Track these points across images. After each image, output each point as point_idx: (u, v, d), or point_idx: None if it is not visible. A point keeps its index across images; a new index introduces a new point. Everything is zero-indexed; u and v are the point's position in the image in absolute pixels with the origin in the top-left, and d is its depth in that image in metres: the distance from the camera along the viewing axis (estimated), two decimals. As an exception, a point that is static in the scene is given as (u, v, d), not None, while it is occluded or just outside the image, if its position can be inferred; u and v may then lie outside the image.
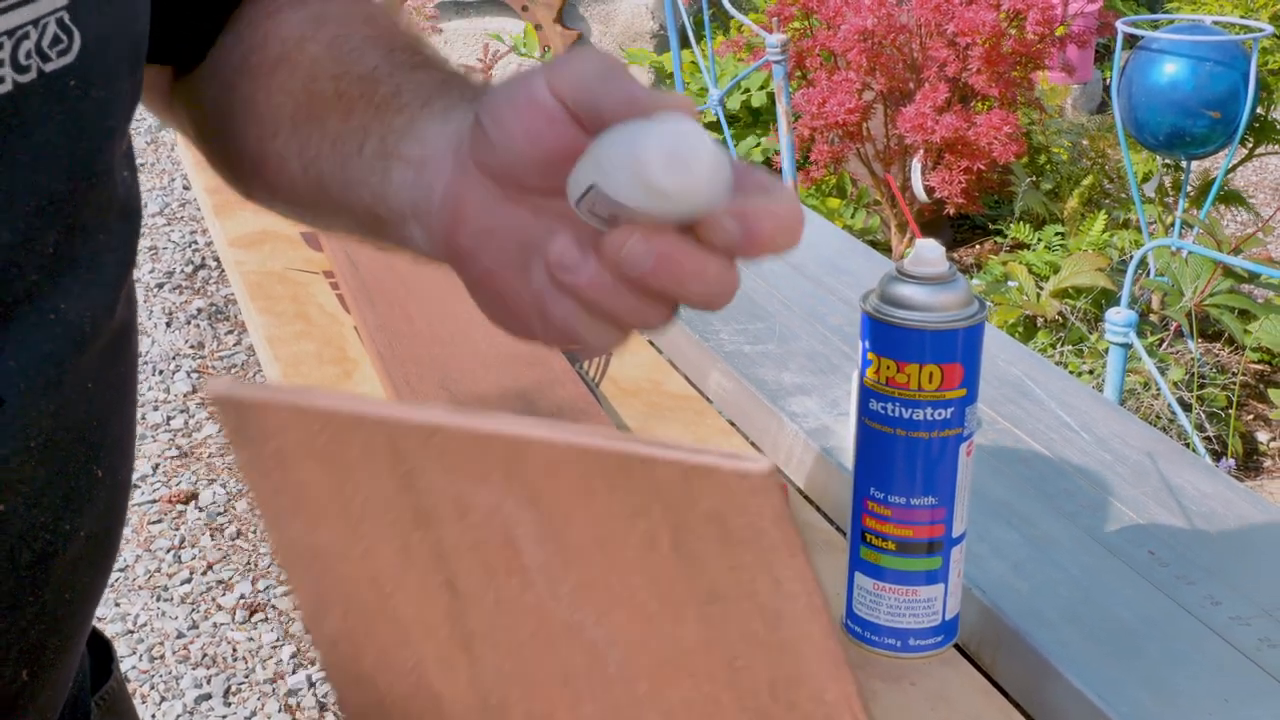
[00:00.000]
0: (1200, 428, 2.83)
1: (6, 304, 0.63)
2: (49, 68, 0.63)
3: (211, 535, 2.73)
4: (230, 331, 3.63)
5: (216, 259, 3.94)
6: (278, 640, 2.44)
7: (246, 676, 2.35)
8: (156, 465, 2.98)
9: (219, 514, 2.80)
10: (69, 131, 0.66)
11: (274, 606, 2.52)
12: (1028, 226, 3.70)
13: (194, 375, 3.37)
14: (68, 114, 0.65)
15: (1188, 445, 2.47)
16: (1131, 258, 2.16)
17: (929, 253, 0.86)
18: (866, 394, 0.88)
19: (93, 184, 0.68)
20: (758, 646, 0.41)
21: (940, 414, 0.86)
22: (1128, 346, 1.93)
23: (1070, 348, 3.01)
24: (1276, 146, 3.53)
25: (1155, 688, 0.88)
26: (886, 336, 0.86)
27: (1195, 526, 1.06)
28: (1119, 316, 1.92)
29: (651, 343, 1.43)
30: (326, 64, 0.78)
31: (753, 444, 1.24)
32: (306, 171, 0.77)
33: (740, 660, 0.41)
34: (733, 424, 1.28)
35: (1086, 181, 3.79)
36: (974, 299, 0.86)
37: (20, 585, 0.68)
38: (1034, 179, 3.84)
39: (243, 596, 2.55)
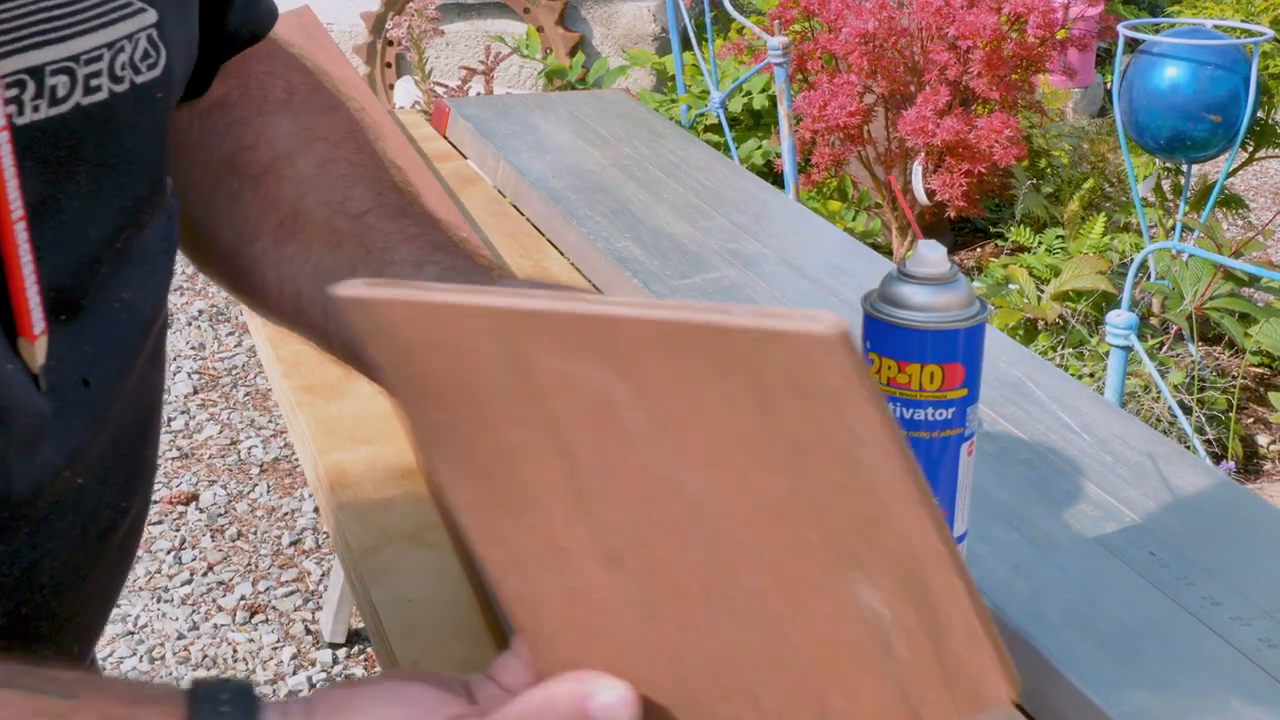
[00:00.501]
0: (1200, 430, 2.83)
1: (89, 295, 0.69)
2: (139, 80, 0.69)
3: (212, 536, 2.74)
4: (231, 333, 3.63)
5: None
6: (278, 641, 2.44)
7: (247, 678, 2.35)
8: (157, 466, 2.98)
9: (219, 515, 2.80)
10: (154, 139, 0.72)
11: (274, 608, 2.52)
12: (1028, 230, 3.70)
13: (195, 376, 3.37)
14: (153, 123, 0.72)
15: (1188, 448, 2.47)
16: (1132, 261, 2.17)
17: (930, 253, 0.86)
18: (868, 394, 0.88)
19: (162, 187, 0.75)
20: (840, 490, 0.45)
21: (941, 414, 0.86)
22: (1128, 349, 1.93)
23: (1071, 350, 3.02)
24: (1277, 150, 3.53)
25: (1156, 688, 0.88)
26: (888, 336, 0.86)
27: (1196, 528, 1.06)
28: (1119, 319, 1.92)
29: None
30: (316, 187, 0.84)
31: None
32: (283, 286, 0.83)
33: (825, 504, 0.46)
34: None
35: (1087, 185, 3.79)
36: (975, 299, 0.86)
37: (86, 559, 0.74)
38: (1034, 182, 3.84)
39: (243, 598, 2.55)
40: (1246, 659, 0.91)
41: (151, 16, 0.69)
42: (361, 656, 2.41)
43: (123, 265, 0.72)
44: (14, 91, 0.63)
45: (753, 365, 0.44)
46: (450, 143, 2.10)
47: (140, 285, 0.74)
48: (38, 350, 0.66)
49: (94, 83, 0.67)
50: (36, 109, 0.64)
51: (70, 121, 0.66)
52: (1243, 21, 3.38)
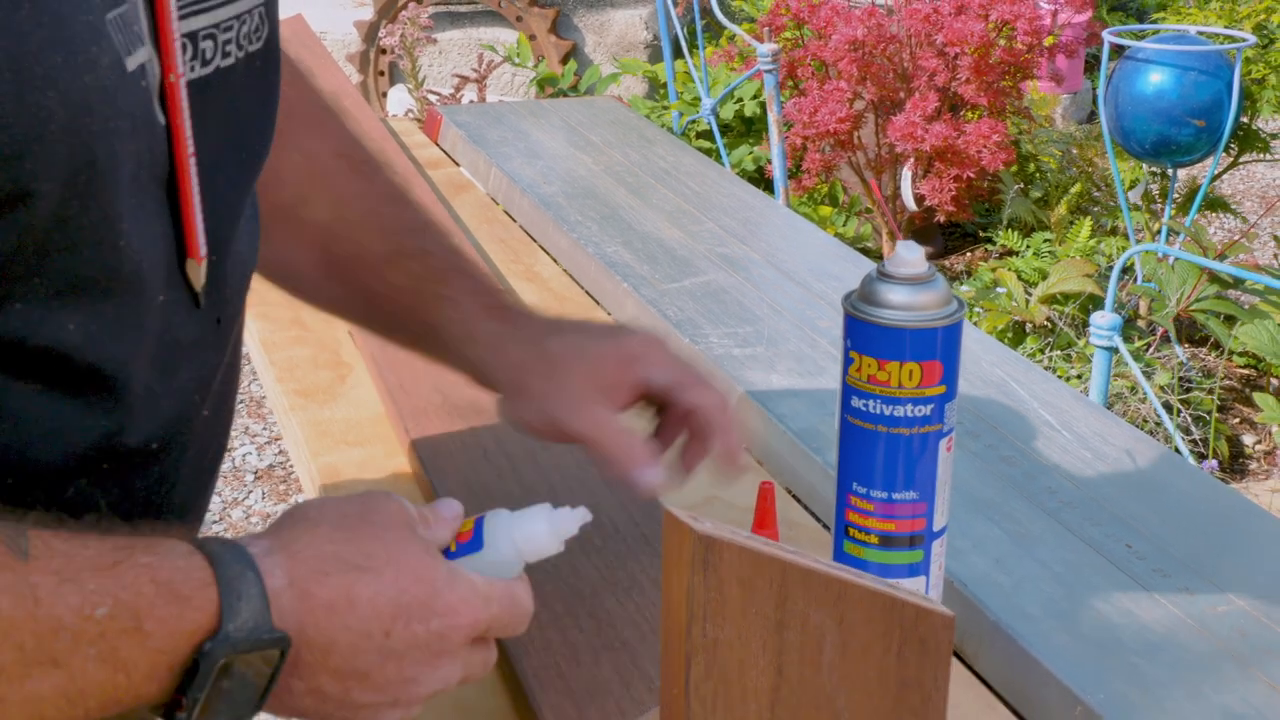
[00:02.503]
0: (1186, 431, 2.86)
1: (222, 241, 0.78)
2: (252, 49, 0.79)
3: (207, 542, 2.75)
4: (225, 340, 3.64)
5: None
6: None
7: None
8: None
9: (214, 522, 2.82)
10: (265, 101, 0.83)
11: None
12: (1016, 234, 3.73)
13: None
14: (264, 89, 0.82)
15: (1174, 448, 2.49)
16: (1117, 261, 2.19)
17: (909, 253, 0.88)
18: (848, 391, 0.90)
19: (266, 150, 0.85)
20: (914, 714, 0.68)
21: (921, 410, 0.88)
22: (1112, 350, 1.96)
23: (1059, 353, 3.04)
24: (1261, 155, 3.56)
25: (1133, 678, 0.90)
26: (867, 335, 0.88)
27: (1172, 522, 1.09)
28: (1103, 320, 1.94)
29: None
30: (335, 236, 1.01)
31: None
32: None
33: (901, 716, 0.69)
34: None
35: (1075, 189, 3.82)
36: (952, 298, 0.89)
37: (201, 489, 0.84)
38: (1022, 186, 3.87)
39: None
40: (1221, 648, 0.93)
41: None
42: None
43: (241, 220, 0.82)
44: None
45: (906, 626, 0.67)
46: (443, 150, 2.13)
47: (248, 241, 0.84)
48: (202, 271, 0.76)
49: (227, 48, 0.76)
50: (192, 69, 0.73)
51: (213, 81, 0.75)
52: (1226, 27, 3.41)
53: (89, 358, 0.70)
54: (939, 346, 0.88)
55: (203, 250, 0.75)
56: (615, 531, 1.04)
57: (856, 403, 0.90)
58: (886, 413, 0.89)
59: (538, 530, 0.80)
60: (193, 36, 0.73)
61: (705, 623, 0.66)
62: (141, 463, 0.77)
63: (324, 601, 0.68)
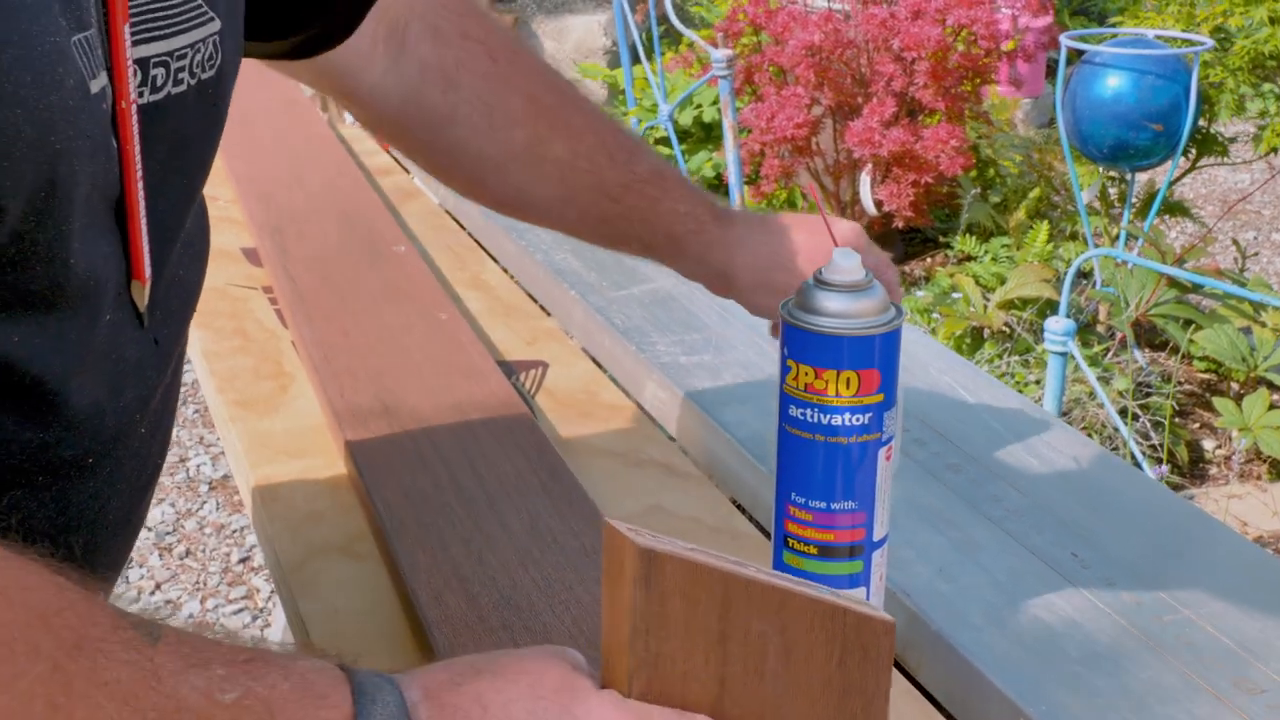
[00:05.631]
0: (1145, 436, 2.85)
1: (160, 271, 0.79)
2: (203, 78, 0.80)
3: (160, 555, 2.72)
4: (181, 350, 3.61)
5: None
6: (226, 659, 2.43)
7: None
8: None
9: (168, 533, 2.79)
10: (211, 128, 0.84)
11: (223, 625, 2.51)
12: (974, 239, 3.73)
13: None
14: (209, 118, 0.83)
15: (1131, 457, 2.49)
16: (1071, 265, 2.18)
17: (845, 261, 0.87)
18: (786, 400, 0.88)
19: (206, 175, 0.86)
20: (851, 717, 0.68)
21: (858, 419, 0.87)
22: (1067, 355, 1.95)
23: (1017, 358, 3.04)
24: (1218, 159, 3.57)
25: (1075, 687, 0.89)
26: (804, 343, 0.86)
27: (1120, 530, 1.08)
28: (1057, 325, 1.94)
29: (588, 354, 1.44)
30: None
31: (684, 451, 1.25)
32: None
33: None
34: (669, 434, 1.29)
35: (1033, 194, 3.82)
36: (890, 306, 0.87)
37: (135, 505, 0.84)
38: (980, 190, 3.87)
39: (191, 615, 2.54)
40: (1166, 657, 0.92)
41: (217, 25, 0.81)
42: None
43: (177, 241, 0.82)
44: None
45: (847, 635, 0.66)
46: (393, 157, 2.10)
47: (189, 266, 0.85)
48: (145, 293, 0.77)
49: (179, 76, 0.78)
50: (142, 94, 0.74)
51: (162, 108, 0.76)
52: (1183, 31, 3.42)
53: (32, 370, 0.70)
54: (876, 354, 0.86)
55: (147, 272, 0.76)
56: (554, 542, 1.03)
57: (794, 411, 0.88)
58: (824, 421, 0.87)
59: None
60: (144, 63, 0.74)
61: (648, 637, 0.65)
62: (77, 475, 0.76)
63: (456, 706, 0.66)
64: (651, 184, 1.08)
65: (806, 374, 0.87)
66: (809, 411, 0.87)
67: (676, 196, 1.08)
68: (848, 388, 0.86)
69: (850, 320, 0.86)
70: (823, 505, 0.89)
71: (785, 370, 0.88)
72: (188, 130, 0.81)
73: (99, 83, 0.70)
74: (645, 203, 1.08)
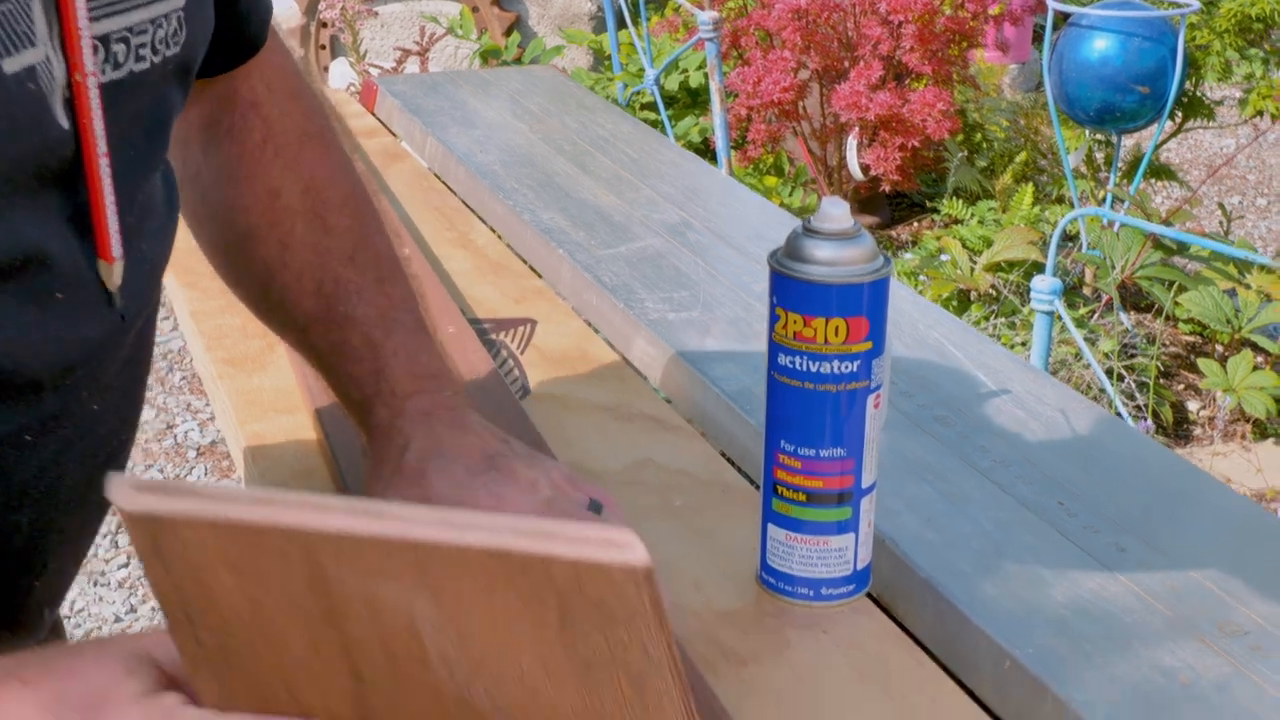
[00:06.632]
0: (1130, 397, 2.87)
1: (132, 243, 0.77)
2: (168, 54, 0.79)
3: (149, 520, 2.73)
4: (166, 318, 3.61)
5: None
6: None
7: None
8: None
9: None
10: (174, 105, 0.83)
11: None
12: (960, 203, 3.73)
13: (131, 361, 3.35)
14: (174, 95, 0.82)
15: (1116, 417, 2.50)
16: (1058, 224, 2.19)
17: (834, 209, 0.87)
18: (775, 349, 0.89)
19: (167, 149, 0.84)
20: (625, 706, 0.49)
21: (847, 367, 0.88)
22: (1053, 314, 1.96)
23: (1003, 320, 3.05)
24: (1205, 122, 3.58)
25: (1060, 631, 0.90)
26: (793, 291, 0.87)
27: (1107, 480, 1.08)
28: (1044, 284, 1.94)
29: (577, 312, 1.44)
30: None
31: (674, 406, 1.25)
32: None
33: (609, 716, 0.49)
34: (656, 390, 1.29)
35: (1020, 158, 3.82)
36: (879, 254, 0.88)
37: (90, 483, 0.82)
38: (966, 154, 3.87)
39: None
40: (1151, 603, 0.93)
41: (181, 0, 0.79)
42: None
43: (146, 219, 0.81)
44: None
45: (565, 592, 0.46)
46: (379, 120, 2.10)
47: (154, 239, 0.83)
48: (115, 272, 0.75)
49: (141, 52, 0.76)
50: (103, 71, 0.73)
51: (124, 84, 0.75)
52: (1169, -7, 3.42)
53: None
54: (865, 302, 0.87)
55: (116, 251, 0.75)
56: None
57: (783, 360, 0.89)
58: (813, 369, 0.88)
59: None
60: (104, 39, 0.73)
61: (194, 628, 0.49)
62: (16, 452, 0.75)
63: None
64: (340, 329, 0.95)
65: (795, 322, 0.87)
66: (797, 359, 0.88)
67: (362, 358, 0.94)
68: (836, 335, 0.87)
69: (838, 268, 0.86)
70: (811, 453, 0.90)
71: (774, 319, 0.89)
72: (156, 107, 0.80)
73: (21, 60, 0.68)
74: (327, 348, 0.96)
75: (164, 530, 0.47)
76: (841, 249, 0.87)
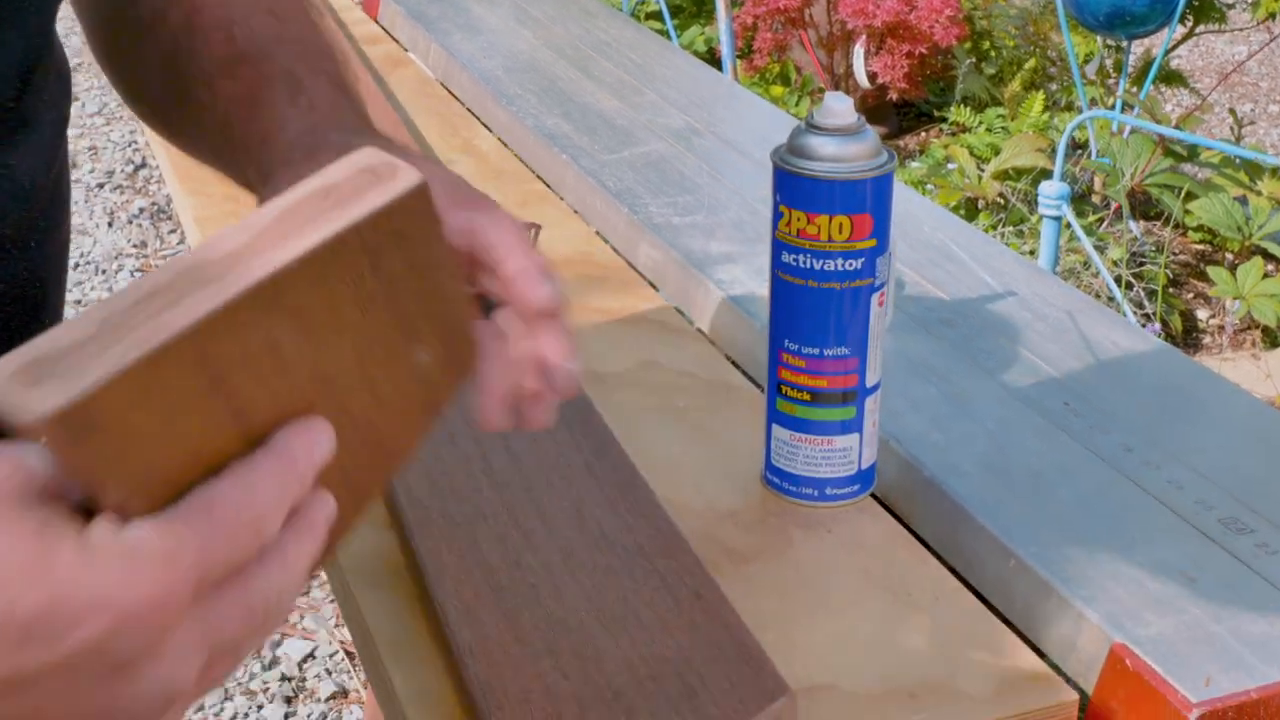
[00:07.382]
0: (1139, 305, 2.86)
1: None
2: None
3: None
4: (173, 231, 3.60)
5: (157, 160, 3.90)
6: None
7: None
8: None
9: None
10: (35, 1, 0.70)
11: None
12: (968, 110, 3.70)
13: (137, 274, 3.34)
14: None
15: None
16: (1065, 131, 2.17)
17: (837, 104, 0.86)
18: (778, 247, 0.88)
19: (48, 42, 0.73)
20: (419, 296, 0.55)
21: (851, 264, 0.87)
22: (1061, 219, 1.94)
23: (1011, 228, 3.03)
24: (1216, 26, 3.53)
25: (1065, 529, 0.90)
26: (796, 188, 0.86)
27: (1111, 379, 1.08)
28: (1051, 189, 1.93)
29: (580, 215, 1.44)
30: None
31: (679, 310, 1.24)
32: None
33: (411, 311, 0.55)
34: (658, 289, 1.29)
35: (1029, 65, 3.78)
36: (882, 150, 0.87)
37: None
38: (974, 61, 3.83)
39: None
40: (1155, 500, 0.92)
41: None
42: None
43: (15, 131, 0.71)
44: None
45: (372, 242, 0.51)
46: (382, 27, 2.08)
47: (25, 153, 0.72)
48: None
49: None
50: None
51: None
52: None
53: None
54: (869, 199, 0.86)
55: None
56: (602, 537, 0.86)
57: (786, 258, 0.88)
58: (816, 267, 0.87)
59: None
60: None
61: (121, 494, 0.45)
62: None
63: None
64: (255, 66, 0.77)
65: (798, 219, 0.86)
66: (801, 257, 0.87)
67: (276, 87, 0.75)
68: (840, 232, 0.86)
69: (842, 164, 0.85)
70: (815, 352, 0.89)
71: (777, 216, 0.88)
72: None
73: None
74: (241, 89, 0.76)
75: (80, 417, 0.42)
76: (845, 144, 0.86)
